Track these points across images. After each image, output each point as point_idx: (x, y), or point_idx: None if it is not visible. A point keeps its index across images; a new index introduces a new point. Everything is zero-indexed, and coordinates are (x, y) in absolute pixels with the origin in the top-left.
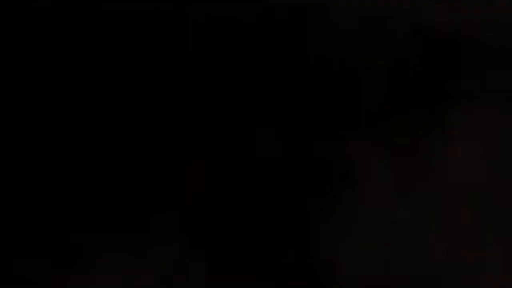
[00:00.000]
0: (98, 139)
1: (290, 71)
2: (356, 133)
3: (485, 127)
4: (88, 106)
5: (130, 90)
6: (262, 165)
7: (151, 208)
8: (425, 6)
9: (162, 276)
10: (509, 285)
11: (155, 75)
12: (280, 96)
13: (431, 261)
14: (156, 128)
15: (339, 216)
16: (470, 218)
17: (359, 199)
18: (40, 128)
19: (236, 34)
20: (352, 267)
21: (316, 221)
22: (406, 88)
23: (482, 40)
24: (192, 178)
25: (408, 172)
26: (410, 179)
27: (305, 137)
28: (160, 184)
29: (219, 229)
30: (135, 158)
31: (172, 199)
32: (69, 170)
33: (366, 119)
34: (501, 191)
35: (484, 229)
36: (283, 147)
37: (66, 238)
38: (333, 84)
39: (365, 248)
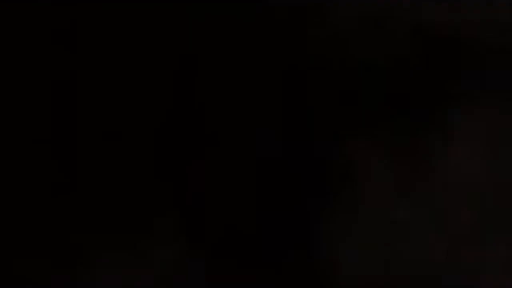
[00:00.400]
0: (98, 139)
1: (290, 71)
2: (356, 133)
3: (485, 127)
4: (88, 106)
5: (130, 90)
6: (262, 165)
7: (151, 208)
8: (425, 6)
9: (162, 276)
10: (509, 285)
11: (155, 75)
12: (280, 96)
13: (431, 261)
14: (156, 128)
15: (339, 216)
16: (470, 218)
17: (359, 199)
18: (40, 128)
19: (236, 34)
20: (352, 267)
21: (316, 221)
22: (406, 88)
23: (482, 40)
24: (192, 178)
25: (408, 172)
26: (410, 179)
27: (305, 137)
28: (160, 184)
29: (219, 229)
30: (135, 158)
31: (172, 199)
32: (69, 170)
33: (366, 119)
34: (501, 191)
35: (484, 229)
36: (283, 147)
37: (66, 238)
38: (333, 84)
39: (365, 248)
